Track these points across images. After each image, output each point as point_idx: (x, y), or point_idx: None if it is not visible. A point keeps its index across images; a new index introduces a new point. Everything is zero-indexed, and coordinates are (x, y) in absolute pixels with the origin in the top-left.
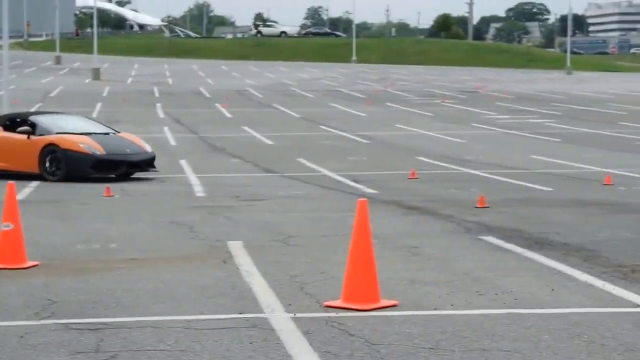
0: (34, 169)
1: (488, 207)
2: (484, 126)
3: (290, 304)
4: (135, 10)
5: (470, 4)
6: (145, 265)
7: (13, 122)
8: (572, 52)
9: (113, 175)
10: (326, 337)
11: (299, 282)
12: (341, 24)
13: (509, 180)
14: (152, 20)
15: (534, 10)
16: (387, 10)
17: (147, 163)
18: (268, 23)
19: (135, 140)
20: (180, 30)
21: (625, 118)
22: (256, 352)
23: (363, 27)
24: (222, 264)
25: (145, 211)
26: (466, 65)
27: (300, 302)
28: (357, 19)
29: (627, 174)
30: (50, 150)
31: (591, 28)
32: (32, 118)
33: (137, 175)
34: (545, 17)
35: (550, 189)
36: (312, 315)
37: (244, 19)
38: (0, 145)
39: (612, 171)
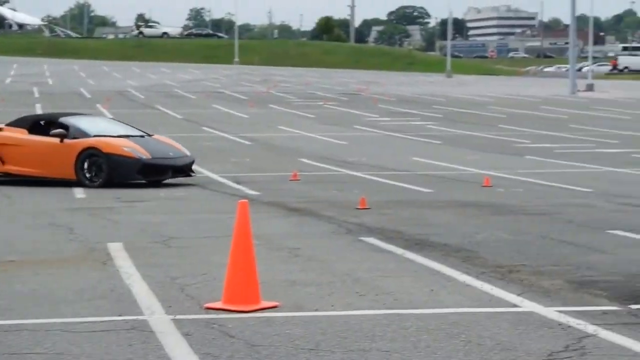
0: (70, 175)
1: (369, 208)
2: (366, 128)
3: (170, 306)
4: (14, 10)
5: (352, 7)
6: (23, 268)
7: (37, 124)
8: (453, 56)
9: (142, 181)
10: (206, 339)
11: (180, 284)
12: (223, 26)
13: (390, 182)
14: (31, 19)
15: (415, 14)
16: (270, 13)
17: (189, 167)
18: (150, 24)
19: (173, 143)
20: (61, 30)
21: (504, 121)
22: (135, 354)
23: (245, 29)
24: (102, 265)
25: (23, 213)
26: (348, 67)
27: (180, 304)
28: (239, 21)
29: (505, 175)
30: (89, 155)
31: (471, 32)
32: (63, 120)
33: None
34: (426, 20)
35: (431, 191)
36: (192, 317)
37: (125, 19)
38: (28, 150)
39: (491, 173)
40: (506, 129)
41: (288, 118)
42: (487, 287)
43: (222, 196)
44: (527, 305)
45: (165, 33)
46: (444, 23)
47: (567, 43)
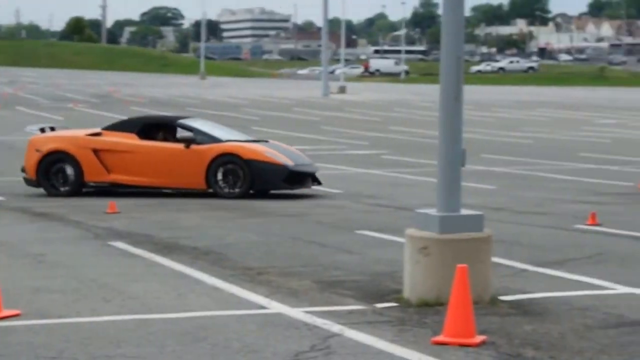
0: (199, 184)
1: (119, 212)
2: None
3: None
4: None
5: (104, 8)
6: None
7: (147, 128)
8: (207, 57)
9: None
10: None
11: None
12: None
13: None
14: None
15: (169, 14)
16: (17, 12)
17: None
18: None
19: (295, 150)
20: None
21: (258, 123)
22: None
23: None
24: None
25: None
26: (100, 69)
27: None
28: None
29: None
30: (225, 162)
31: (225, 34)
32: (185, 122)
33: None
34: (180, 22)
35: (182, 193)
36: None
37: None
38: (143, 158)
39: None
40: (260, 131)
41: (36, 120)
42: (235, 289)
43: None
44: (275, 306)
45: None
46: (197, 24)
47: (320, 45)
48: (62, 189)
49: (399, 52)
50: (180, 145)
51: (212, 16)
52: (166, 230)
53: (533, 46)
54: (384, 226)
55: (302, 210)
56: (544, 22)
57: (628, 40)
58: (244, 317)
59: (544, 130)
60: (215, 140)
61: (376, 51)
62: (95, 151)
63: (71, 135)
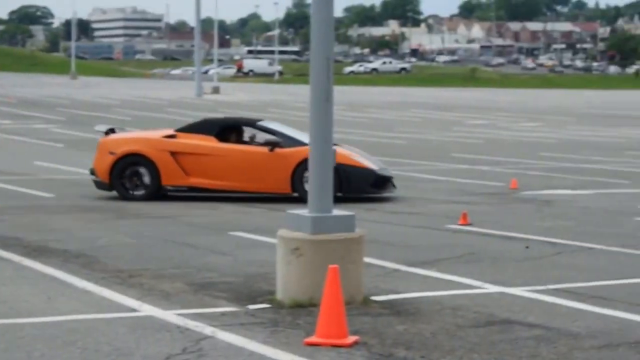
0: (283, 189)
1: None
2: None
3: None
4: None
5: None
6: None
7: (226, 131)
8: (78, 57)
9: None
10: None
11: None
12: None
13: (9, 187)
14: None
15: (38, 13)
16: None
17: None
18: None
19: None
20: None
21: (130, 123)
22: None
23: None
24: None
25: None
26: None
27: None
28: None
29: None
30: None
31: (96, 33)
32: (266, 125)
33: None
34: (50, 21)
35: (52, 195)
36: None
37: None
38: (225, 161)
39: None
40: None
41: None
42: (106, 292)
43: None
44: (147, 309)
45: None
46: (68, 23)
47: (193, 46)
48: (136, 192)
49: (272, 52)
50: (265, 149)
51: (83, 15)
52: (36, 233)
53: (405, 47)
54: (257, 227)
55: (175, 212)
56: (416, 23)
57: (498, 41)
58: (115, 320)
59: (417, 131)
60: (300, 143)
61: (250, 51)
62: (173, 154)
63: (146, 137)
